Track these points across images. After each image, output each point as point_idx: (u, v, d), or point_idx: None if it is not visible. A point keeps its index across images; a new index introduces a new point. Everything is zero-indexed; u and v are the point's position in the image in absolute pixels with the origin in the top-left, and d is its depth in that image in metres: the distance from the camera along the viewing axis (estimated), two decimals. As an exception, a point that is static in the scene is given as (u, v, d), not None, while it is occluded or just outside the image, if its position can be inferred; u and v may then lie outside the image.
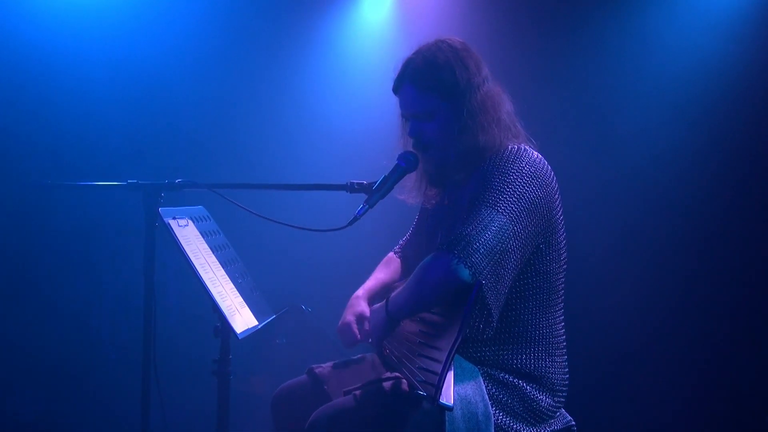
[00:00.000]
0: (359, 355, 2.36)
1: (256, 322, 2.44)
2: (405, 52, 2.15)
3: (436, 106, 2.06)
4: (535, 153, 2.04)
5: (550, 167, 2.04)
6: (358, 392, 2.03)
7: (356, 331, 2.24)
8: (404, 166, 2.15)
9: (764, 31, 3.51)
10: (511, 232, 1.86)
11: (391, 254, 2.53)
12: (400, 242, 2.56)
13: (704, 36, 3.62)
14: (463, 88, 2.04)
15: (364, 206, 2.12)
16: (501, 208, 1.87)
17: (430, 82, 2.05)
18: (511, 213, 1.87)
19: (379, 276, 2.42)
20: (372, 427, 1.96)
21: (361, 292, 2.35)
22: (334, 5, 4.41)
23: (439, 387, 1.71)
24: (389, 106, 2.25)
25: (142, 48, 4.11)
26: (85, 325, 4.19)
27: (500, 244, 1.83)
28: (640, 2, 3.78)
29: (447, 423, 1.82)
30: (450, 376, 1.80)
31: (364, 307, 2.28)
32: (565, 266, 2.09)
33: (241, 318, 2.36)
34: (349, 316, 2.27)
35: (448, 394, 1.77)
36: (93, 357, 4.17)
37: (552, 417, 2.03)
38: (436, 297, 1.86)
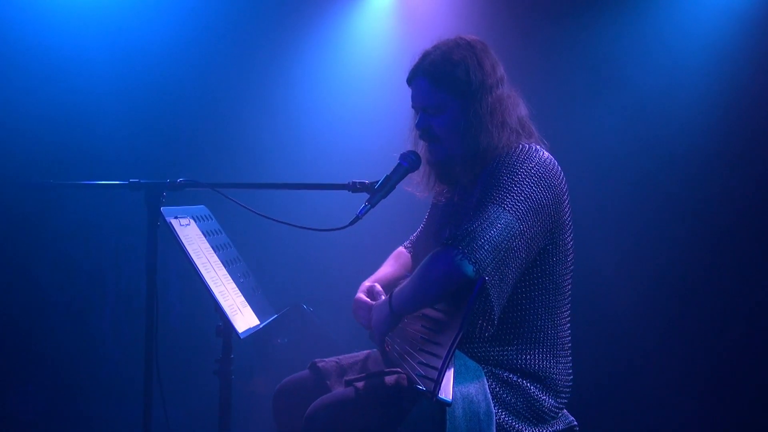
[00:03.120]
0: (363, 352, 2.36)
1: (258, 322, 2.44)
2: (410, 50, 2.15)
3: (446, 102, 2.05)
4: (546, 153, 2.03)
5: (559, 168, 2.03)
6: (359, 384, 2.03)
7: (369, 301, 2.21)
8: (406, 165, 2.15)
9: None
10: (517, 230, 1.86)
11: (401, 248, 2.52)
12: (411, 237, 2.55)
13: (713, 36, 3.61)
14: (475, 88, 2.03)
15: (365, 206, 2.11)
16: (508, 207, 1.87)
17: (443, 77, 2.04)
18: (518, 212, 1.87)
19: (388, 270, 2.41)
20: (371, 420, 1.97)
21: (367, 281, 2.34)
22: (338, 1, 4.40)
23: (438, 382, 1.71)
24: (393, 104, 2.25)
25: (144, 47, 4.11)
26: (87, 324, 4.20)
27: (505, 242, 1.84)
28: (648, 3, 3.78)
29: (448, 421, 1.82)
30: (450, 372, 1.80)
31: (370, 284, 2.27)
32: (572, 267, 2.08)
33: (243, 317, 2.36)
34: (359, 294, 2.26)
35: (447, 390, 1.76)
36: (95, 356, 4.17)
37: (554, 417, 2.03)
38: (439, 292, 1.86)
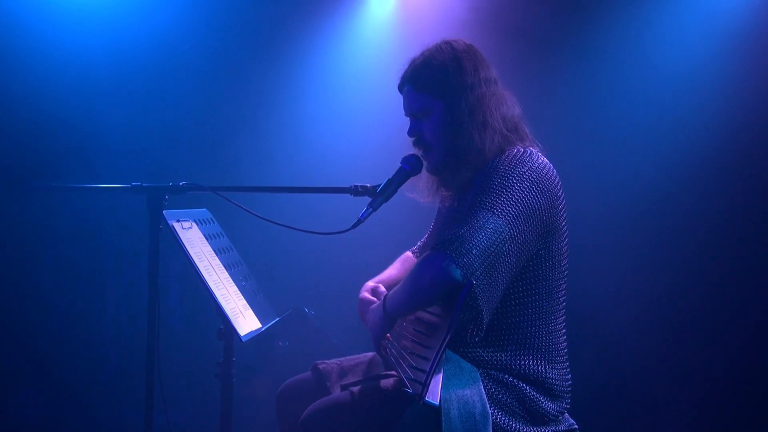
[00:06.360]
0: (365, 354, 2.36)
1: (260, 325, 2.45)
2: (412, 52, 2.16)
3: (430, 106, 2.08)
4: (541, 158, 2.02)
5: (555, 173, 2.02)
6: (355, 388, 2.04)
7: (375, 300, 2.23)
8: (408, 169, 2.16)
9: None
10: (507, 235, 1.85)
11: (408, 253, 2.53)
12: (419, 243, 2.56)
13: (708, 36, 3.61)
14: (455, 89, 2.05)
15: (367, 209, 2.12)
16: (498, 211, 1.86)
17: (424, 81, 2.08)
18: (508, 216, 1.86)
19: (392, 272, 2.43)
20: (367, 423, 1.97)
21: (371, 282, 2.36)
22: (339, 4, 4.41)
23: (425, 385, 1.72)
24: (394, 107, 2.25)
25: (146, 50, 4.12)
26: (89, 327, 4.20)
27: (494, 246, 1.83)
28: (644, 3, 3.78)
29: (443, 423, 1.82)
30: (439, 375, 1.81)
31: (373, 284, 2.30)
32: (566, 273, 2.08)
33: (245, 320, 2.36)
34: (363, 293, 2.28)
35: (435, 393, 1.77)
36: (96, 359, 4.18)
37: (554, 420, 2.03)
38: (429, 296, 1.87)
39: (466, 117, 2.04)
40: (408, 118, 2.19)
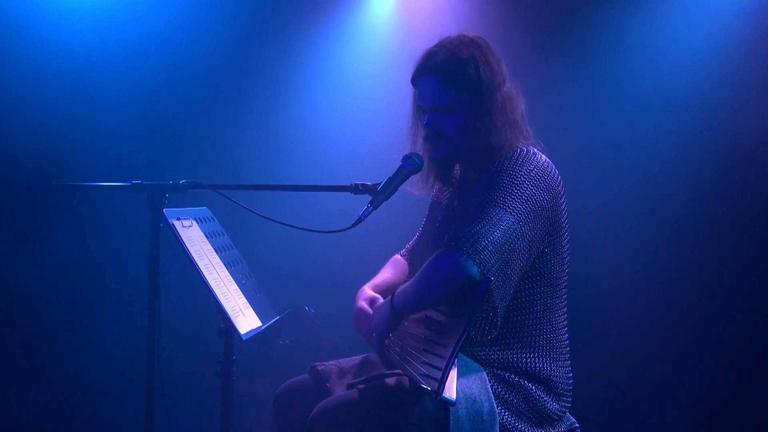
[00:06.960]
0: (362, 355, 2.36)
1: (260, 323, 2.44)
2: (412, 50, 2.15)
3: (457, 101, 2.05)
4: (543, 156, 2.04)
5: (557, 171, 2.04)
6: (362, 386, 2.03)
7: (371, 311, 2.20)
8: (408, 168, 2.15)
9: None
10: (519, 232, 1.87)
11: (397, 256, 2.52)
12: (407, 245, 2.55)
13: (711, 35, 3.60)
14: (485, 85, 2.03)
15: (368, 208, 2.11)
16: (510, 209, 1.87)
17: (454, 75, 2.03)
18: (519, 214, 1.88)
19: (386, 276, 2.41)
20: (375, 421, 1.97)
21: (366, 286, 2.34)
22: (339, 3, 4.41)
23: (442, 381, 1.72)
24: (395, 105, 2.25)
25: (147, 48, 4.12)
26: (89, 325, 4.20)
27: (508, 244, 1.84)
28: (644, 3, 3.78)
29: (451, 421, 1.82)
30: (454, 372, 1.81)
31: (373, 294, 2.26)
32: (567, 270, 2.09)
33: (245, 319, 2.36)
34: (360, 302, 2.24)
35: (451, 389, 1.78)
36: (97, 357, 4.18)
37: (558, 420, 2.03)
38: (444, 293, 1.86)
39: (496, 114, 2.03)
40: (412, 109, 2.18)
